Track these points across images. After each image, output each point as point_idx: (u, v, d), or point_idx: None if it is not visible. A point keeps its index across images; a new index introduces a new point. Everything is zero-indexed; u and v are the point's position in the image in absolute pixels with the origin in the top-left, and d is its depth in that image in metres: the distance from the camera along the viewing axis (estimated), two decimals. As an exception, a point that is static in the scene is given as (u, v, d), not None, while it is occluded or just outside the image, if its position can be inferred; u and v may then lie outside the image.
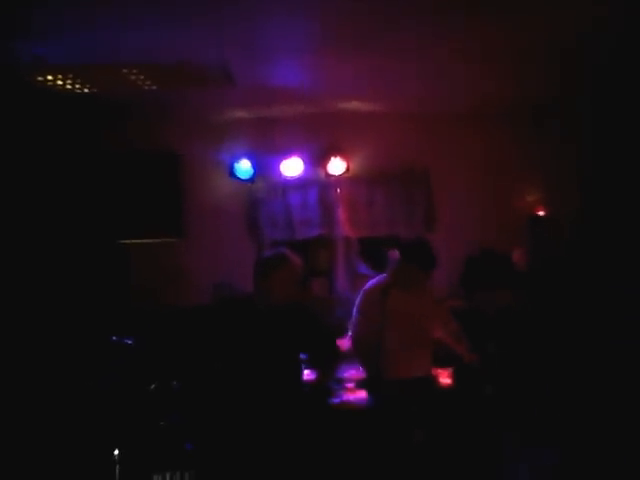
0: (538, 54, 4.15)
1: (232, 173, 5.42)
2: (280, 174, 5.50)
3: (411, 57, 4.17)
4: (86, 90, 4.48)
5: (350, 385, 4.43)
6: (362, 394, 4.24)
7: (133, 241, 5.48)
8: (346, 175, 5.49)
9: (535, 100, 5.24)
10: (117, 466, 3.33)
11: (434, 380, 4.15)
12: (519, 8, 3.41)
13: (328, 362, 3.76)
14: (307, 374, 3.94)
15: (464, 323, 3.90)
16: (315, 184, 5.61)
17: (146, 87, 4.47)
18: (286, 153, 5.46)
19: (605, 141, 5.50)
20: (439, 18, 3.50)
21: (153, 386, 3.76)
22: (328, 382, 4.01)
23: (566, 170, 5.50)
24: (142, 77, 4.27)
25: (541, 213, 5.60)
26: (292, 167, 5.45)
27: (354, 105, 5.36)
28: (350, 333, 4.27)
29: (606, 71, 4.57)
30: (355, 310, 4.19)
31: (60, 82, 4.26)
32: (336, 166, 5.42)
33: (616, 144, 5.46)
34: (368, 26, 3.60)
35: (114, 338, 3.81)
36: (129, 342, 3.81)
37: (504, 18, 3.55)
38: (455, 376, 4.14)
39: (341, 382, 4.45)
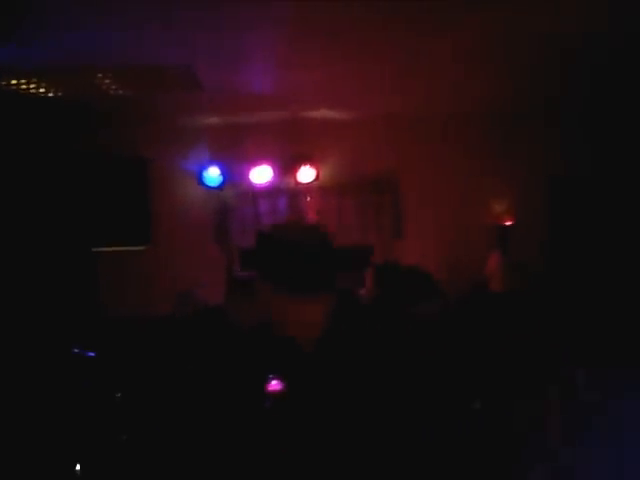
0: (513, 57, 4.18)
1: (201, 180, 5.36)
2: (250, 181, 5.45)
3: (383, 58, 4.16)
4: (51, 94, 4.40)
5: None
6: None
7: (100, 249, 5.37)
8: (316, 183, 5.47)
9: (504, 108, 5.29)
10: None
11: None
12: (500, 6, 3.40)
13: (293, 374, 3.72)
14: (273, 384, 3.89)
15: None
16: (285, 192, 5.58)
17: (112, 91, 4.41)
18: (256, 160, 5.42)
19: (579, 151, 5.55)
20: (410, 21, 3.51)
21: (118, 395, 3.66)
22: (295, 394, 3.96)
23: (535, 180, 5.55)
24: (107, 81, 4.21)
25: (509, 223, 5.64)
26: (262, 175, 5.42)
27: (323, 113, 5.35)
28: None
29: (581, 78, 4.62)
30: None
31: (24, 86, 4.18)
32: (306, 174, 5.40)
33: (590, 154, 5.51)
34: (340, 26, 3.58)
35: (76, 350, 3.72)
36: (91, 355, 3.72)
37: (481, 18, 3.53)
38: None
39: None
